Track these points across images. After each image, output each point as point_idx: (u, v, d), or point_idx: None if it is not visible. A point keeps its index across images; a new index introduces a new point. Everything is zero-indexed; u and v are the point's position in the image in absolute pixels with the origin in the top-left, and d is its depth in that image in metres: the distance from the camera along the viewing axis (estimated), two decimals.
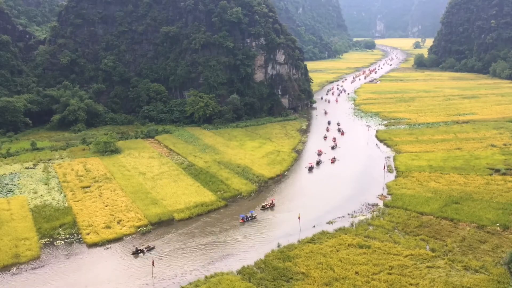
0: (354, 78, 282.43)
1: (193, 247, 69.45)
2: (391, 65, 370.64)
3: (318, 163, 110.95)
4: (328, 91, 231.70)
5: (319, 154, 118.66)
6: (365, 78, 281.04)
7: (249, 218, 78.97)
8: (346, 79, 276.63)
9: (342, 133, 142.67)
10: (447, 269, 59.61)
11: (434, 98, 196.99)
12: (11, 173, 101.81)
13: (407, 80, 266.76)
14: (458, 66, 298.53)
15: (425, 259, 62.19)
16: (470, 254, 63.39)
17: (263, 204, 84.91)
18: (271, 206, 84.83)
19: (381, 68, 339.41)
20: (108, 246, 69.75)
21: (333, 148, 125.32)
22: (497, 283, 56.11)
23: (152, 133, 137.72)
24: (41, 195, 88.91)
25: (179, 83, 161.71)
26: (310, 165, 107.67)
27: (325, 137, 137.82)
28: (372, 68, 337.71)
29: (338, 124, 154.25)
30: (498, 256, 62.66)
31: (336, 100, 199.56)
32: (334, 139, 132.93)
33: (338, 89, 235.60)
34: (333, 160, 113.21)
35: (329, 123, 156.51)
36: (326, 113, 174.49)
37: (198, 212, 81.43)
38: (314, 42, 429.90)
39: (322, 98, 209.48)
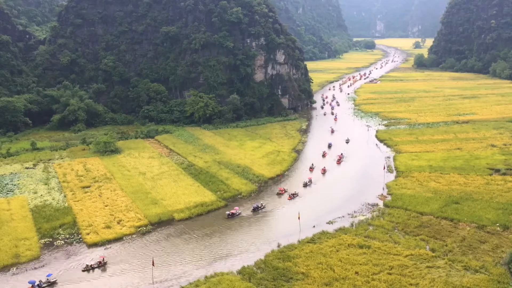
0: (340, 85, 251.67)
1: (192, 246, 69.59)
2: (381, 67, 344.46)
3: (256, 209, 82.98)
4: (323, 100, 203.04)
5: (279, 193, 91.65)
6: (351, 85, 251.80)
7: (42, 285, 58.84)
8: (334, 87, 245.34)
9: (339, 161, 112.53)
10: (447, 269, 59.60)
11: (434, 98, 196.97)
12: (11, 173, 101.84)
13: (407, 80, 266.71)
14: (458, 66, 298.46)
15: (425, 259, 62.19)
16: (470, 254, 63.38)
17: (87, 263, 63.85)
18: (101, 266, 63.80)
19: (371, 73, 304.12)
20: (108, 246, 69.75)
21: (305, 185, 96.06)
22: (497, 283, 56.10)
23: (152, 133, 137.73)
24: (41, 195, 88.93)
25: (179, 83, 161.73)
26: (232, 212, 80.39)
27: (311, 168, 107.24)
28: (362, 73, 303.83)
29: (347, 142, 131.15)
30: (498, 256, 62.65)
31: (335, 119, 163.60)
32: (324, 171, 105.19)
33: (333, 99, 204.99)
34: (292, 197, 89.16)
35: (329, 146, 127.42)
36: (332, 131, 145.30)
37: (198, 212, 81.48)
38: (314, 42, 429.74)
39: (322, 108, 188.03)
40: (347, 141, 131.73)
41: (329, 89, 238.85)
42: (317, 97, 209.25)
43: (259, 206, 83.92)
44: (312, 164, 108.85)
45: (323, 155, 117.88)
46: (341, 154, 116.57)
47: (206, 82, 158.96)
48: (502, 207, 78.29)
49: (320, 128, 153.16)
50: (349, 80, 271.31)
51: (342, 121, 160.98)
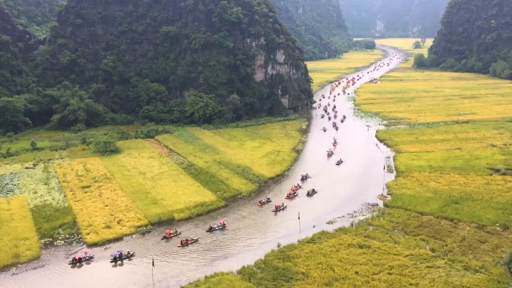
0: (330, 91, 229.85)
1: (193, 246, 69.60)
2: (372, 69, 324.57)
3: (118, 258, 64.94)
4: (325, 111, 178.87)
5: (166, 237, 72.33)
6: (344, 91, 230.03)
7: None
8: (324, 95, 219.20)
9: (288, 196, 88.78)
10: (447, 269, 59.60)
11: (434, 98, 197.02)
12: (11, 173, 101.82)
13: (407, 80, 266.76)
14: (458, 66, 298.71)
15: (425, 259, 62.18)
16: (470, 254, 63.38)
17: None
18: None
19: (361, 78, 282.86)
20: (108, 246, 69.74)
21: (211, 229, 74.40)
22: (497, 283, 56.09)
23: (152, 133, 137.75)
24: (41, 195, 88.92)
25: (179, 83, 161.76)
26: (79, 257, 64.71)
27: (260, 203, 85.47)
28: (350, 77, 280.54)
29: (338, 163, 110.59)
30: (498, 256, 62.65)
31: (335, 144, 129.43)
32: (277, 208, 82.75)
33: (336, 111, 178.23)
34: (184, 244, 69.48)
35: (303, 178, 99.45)
36: (329, 154, 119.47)
37: (198, 212, 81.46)
38: (314, 42, 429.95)
39: (323, 117, 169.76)
40: (338, 163, 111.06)
41: (323, 96, 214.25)
42: (317, 97, 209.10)
43: (123, 254, 65.70)
44: (268, 198, 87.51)
45: (295, 187, 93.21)
46: (313, 190, 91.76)
47: (206, 82, 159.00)
48: (502, 207, 78.28)
49: (319, 133, 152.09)
50: (337, 86, 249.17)
51: (341, 128, 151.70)
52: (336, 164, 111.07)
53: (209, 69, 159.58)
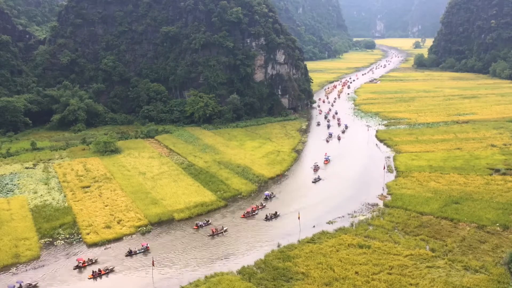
0: (327, 95, 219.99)
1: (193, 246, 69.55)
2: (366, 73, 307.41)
3: None
4: (326, 118, 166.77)
5: (79, 266, 63.34)
6: (339, 95, 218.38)
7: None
8: (324, 100, 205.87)
9: (244, 216, 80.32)
10: (447, 269, 59.62)
11: (434, 98, 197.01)
12: (11, 173, 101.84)
13: (407, 80, 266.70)
14: (458, 66, 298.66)
15: (425, 259, 62.21)
16: (470, 254, 63.40)
17: None
18: None
19: (355, 80, 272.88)
20: (108, 246, 69.76)
21: (130, 253, 67.01)
22: (497, 283, 56.12)
23: (152, 133, 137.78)
24: (41, 195, 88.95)
25: (179, 83, 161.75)
26: None
27: (196, 225, 76.34)
28: (343, 80, 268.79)
29: (315, 181, 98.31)
30: (498, 256, 62.67)
31: (326, 161, 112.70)
32: (215, 231, 73.50)
33: (333, 115, 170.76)
34: (99, 274, 61.53)
35: (267, 198, 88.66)
36: (316, 169, 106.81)
37: (198, 212, 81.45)
38: (314, 42, 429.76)
39: (319, 124, 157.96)
40: (316, 181, 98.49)
41: (323, 101, 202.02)
42: (317, 97, 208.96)
43: (23, 285, 58.21)
44: (207, 221, 77.51)
45: (251, 209, 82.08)
46: (268, 214, 79.88)
47: (206, 82, 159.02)
48: (502, 207, 78.31)
49: (318, 143, 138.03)
50: (332, 90, 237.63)
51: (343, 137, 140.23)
52: (313, 182, 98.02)
53: (209, 69, 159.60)
